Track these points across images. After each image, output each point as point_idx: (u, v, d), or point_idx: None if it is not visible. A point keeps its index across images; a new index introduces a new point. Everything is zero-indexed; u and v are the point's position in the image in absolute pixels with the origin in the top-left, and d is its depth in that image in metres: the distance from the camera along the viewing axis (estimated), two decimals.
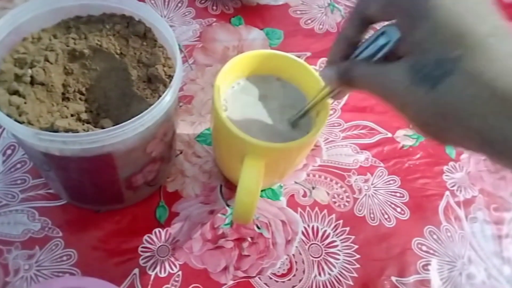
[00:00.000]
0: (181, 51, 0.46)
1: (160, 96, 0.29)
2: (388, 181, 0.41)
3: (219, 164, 0.39)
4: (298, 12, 0.52)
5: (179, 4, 0.50)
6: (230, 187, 0.39)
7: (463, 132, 0.20)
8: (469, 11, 0.20)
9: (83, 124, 0.29)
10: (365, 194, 0.40)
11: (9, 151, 0.38)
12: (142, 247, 0.35)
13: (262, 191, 0.39)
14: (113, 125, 0.27)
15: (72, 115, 0.30)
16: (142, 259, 0.34)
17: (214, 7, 0.51)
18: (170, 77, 0.32)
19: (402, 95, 0.22)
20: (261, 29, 0.50)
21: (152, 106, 0.28)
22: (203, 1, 0.51)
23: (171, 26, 0.48)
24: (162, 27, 0.32)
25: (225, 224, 0.37)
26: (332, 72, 0.26)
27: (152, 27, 0.34)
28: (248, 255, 0.36)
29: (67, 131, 0.28)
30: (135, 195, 0.36)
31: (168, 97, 0.29)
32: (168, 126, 0.32)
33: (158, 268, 0.34)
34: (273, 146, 0.31)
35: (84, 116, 0.30)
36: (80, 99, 0.31)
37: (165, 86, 0.31)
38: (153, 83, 0.31)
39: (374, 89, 0.24)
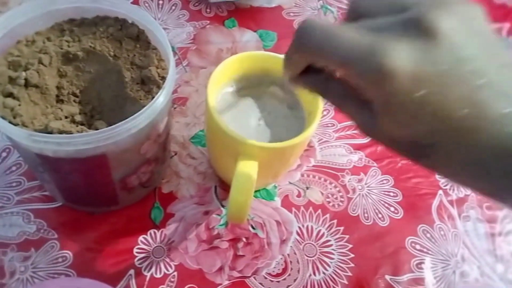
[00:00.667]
0: (175, 53, 0.47)
1: (153, 97, 0.29)
2: (382, 180, 0.42)
3: (213, 165, 0.39)
4: (291, 14, 0.53)
5: (173, 7, 0.51)
6: (224, 188, 0.39)
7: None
8: (435, 92, 0.19)
9: (77, 126, 0.30)
10: (359, 194, 0.41)
11: (4, 154, 0.38)
12: (138, 248, 0.35)
13: (256, 191, 0.39)
14: (107, 127, 0.27)
15: (66, 117, 0.30)
16: (138, 260, 0.35)
17: (208, 10, 0.51)
18: (164, 78, 0.32)
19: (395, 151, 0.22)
20: (255, 31, 0.50)
21: (146, 107, 0.28)
22: (196, 4, 0.51)
23: (165, 28, 0.48)
24: (155, 29, 0.32)
25: (220, 225, 0.37)
26: (305, 86, 0.24)
27: (145, 29, 0.34)
28: (243, 255, 0.36)
29: (61, 132, 0.28)
30: (129, 196, 0.36)
31: (161, 98, 0.29)
32: (162, 128, 0.32)
33: (153, 269, 0.34)
34: (267, 146, 0.31)
35: (78, 118, 0.31)
36: (74, 101, 0.32)
37: (159, 87, 0.31)
38: (147, 85, 0.32)
39: (358, 129, 0.23)
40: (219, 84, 0.35)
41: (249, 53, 0.36)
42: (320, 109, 0.33)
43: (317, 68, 0.23)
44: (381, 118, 0.20)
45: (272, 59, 0.36)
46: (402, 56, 0.18)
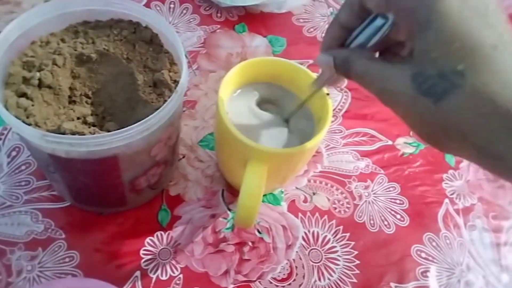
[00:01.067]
0: (185, 57, 0.47)
1: (165, 100, 0.30)
2: (388, 188, 0.42)
3: (221, 169, 0.40)
4: (301, 20, 0.53)
5: (184, 11, 0.51)
6: (232, 191, 0.39)
7: (463, 145, 0.21)
8: (475, 18, 0.20)
9: (89, 127, 0.30)
10: (365, 201, 0.41)
11: (13, 153, 0.39)
12: (144, 250, 0.35)
13: (263, 196, 0.40)
14: (118, 129, 0.27)
15: (78, 118, 0.31)
16: (144, 262, 0.35)
17: (219, 14, 0.51)
18: (176, 82, 0.32)
19: (404, 104, 0.22)
20: (264, 37, 0.51)
21: (158, 111, 0.28)
22: (207, 8, 0.52)
23: (176, 32, 0.49)
24: (169, 33, 0.33)
25: (227, 228, 0.37)
26: (330, 59, 0.25)
27: (158, 33, 0.34)
28: (249, 259, 0.36)
29: (73, 133, 0.28)
30: (138, 198, 0.36)
31: (173, 102, 0.29)
32: (172, 130, 0.32)
33: (159, 271, 0.35)
34: (276, 151, 0.32)
35: (90, 119, 0.31)
36: (86, 102, 0.32)
37: (171, 91, 0.32)
38: (159, 88, 0.32)
39: (374, 91, 0.23)
40: (230, 89, 0.35)
41: (260, 58, 0.36)
42: (329, 115, 0.33)
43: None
44: (418, 53, 0.21)
45: (282, 65, 0.36)
46: None
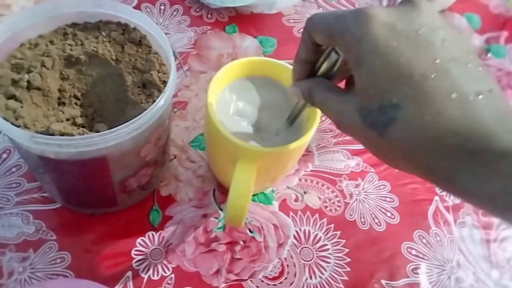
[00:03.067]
0: (175, 58, 0.47)
1: (154, 101, 0.30)
2: (379, 186, 0.42)
3: (212, 169, 0.40)
4: (291, 20, 0.54)
5: (175, 12, 0.51)
6: (223, 191, 0.39)
7: (413, 167, 0.21)
8: (405, 46, 0.20)
9: (78, 128, 0.30)
10: (356, 199, 0.41)
11: (4, 155, 0.39)
12: (136, 250, 0.35)
13: (254, 195, 0.40)
14: (108, 129, 0.28)
15: (67, 120, 0.31)
16: (135, 262, 0.35)
17: (209, 16, 0.52)
18: (164, 82, 0.32)
19: (357, 134, 0.23)
20: (255, 37, 0.51)
21: (147, 111, 0.28)
22: (198, 10, 0.52)
23: (166, 33, 0.49)
24: (157, 34, 0.33)
25: (218, 228, 0.37)
26: (298, 90, 0.28)
27: (147, 34, 0.34)
28: (240, 258, 0.36)
29: (62, 134, 0.28)
30: (129, 198, 0.36)
31: (162, 102, 0.29)
32: (162, 131, 0.32)
33: (151, 271, 0.35)
34: (265, 150, 0.32)
35: (79, 120, 0.31)
36: (75, 104, 0.32)
37: (160, 91, 0.32)
38: (148, 89, 0.32)
39: (332, 120, 0.25)
40: (219, 89, 0.35)
41: (249, 58, 0.37)
42: (318, 115, 0.33)
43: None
44: (357, 83, 0.22)
45: (271, 64, 0.36)
46: (386, 10, 0.21)
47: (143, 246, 0.36)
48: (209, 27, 0.51)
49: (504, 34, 0.58)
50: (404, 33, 0.20)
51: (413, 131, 0.20)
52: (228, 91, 0.36)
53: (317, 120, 0.33)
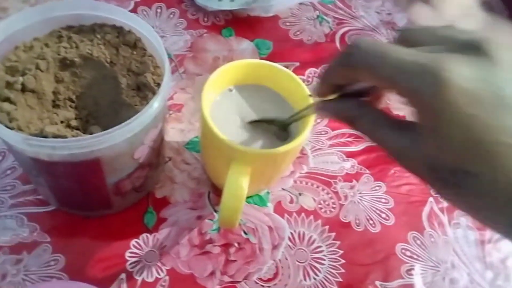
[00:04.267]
0: (171, 60, 0.47)
1: (148, 103, 0.30)
2: (374, 187, 0.42)
3: (207, 171, 0.40)
4: (288, 23, 0.54)
5: (171, 15, 0.51)
6: (218, 193, 0.39)
7: (494, 216, 0.20)
8: (487, 116, 0.18)
9: (72, 131, 0.30)
10: (351, 200, 0.41)
11: None
12: (130, 252, 0.35)
13: (249, 197, 0.40)
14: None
15: (62, 122, 0.31)
16: (130, 264, 0.35)
17: (205, 19, 0.52)
18: (159, 85, 0.32)
19: (421, 176, 0.21)
20: (251, 40, 0.51)
21: (140, 113, 0.28)
22: (194, 13, 0.52)
23: (162, 36, 0.49)
24: (152, 37, 0.33)
25: (213, 230, 0.37)
26: (334, 112, 0.24)
27: (142, 36, 0.34)
28: (235, 260, 0.36)
29: (56, 137, 0.29)
30: (123, 201, 0.36)
31: (155, 104, 0.29)
32: (156, 133, 0.33)
33: (145, 273, 0.35)
34: (259, 152, 0.32)
35: (73, 122, 0.31)
36: (70, 106, 0.32)
37: (154, 93, 0.32)
38: (142, 91, 0.32)
39: (387, 152, 0.23)
40: (214, 91, 0.35)
41: (244, 61, 0.37)
42: (312, 117, 0.33)
43: (350, 94, 0.23)
44: (426, 139, 0.20)
45: (267, 67, 0.37)
46: (461, 70, 0.18)
47: (137, 248, 0.36)
48: (205, 30, 0.51)
49: None
50: (486, 99, 0.18)
51: (491, 193, 0.19)
52: (223, 93, 0.36)
53: (311, 123, 0.33)
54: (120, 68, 0.33)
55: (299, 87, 0.35)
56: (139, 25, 0.34)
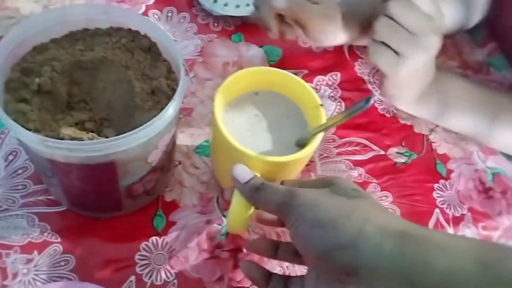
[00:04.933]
0: (182, 64, 0.47)
1: (162, 108, 0.30)
2: (380, 197, 0.43)
3: (216, 175, 0.40)
4: None
5: (182, 20, 0.52)
6: (226, 198, 0.40)
7: (344, 233, 0.25)
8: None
9: (87, 133, 0.30)
10: None
11: (11, 157, 0.39)
12: (139, 255, 0.36)
13: None
14: (116, 135, 0.28)
15: (76, 124, 0.31)
16: (139, 267, 0.35)
17: (216, 24, 0.52)
18: (173, 90, 0.33)
19: None
20: (260, 47, 0.51)
21: (155, 118, 0.29)
22: (205, 17, 0.52)
23: (173, 40, 0.49)
24: (166, 42, 0.34)
25: (221, 235, 0.38)
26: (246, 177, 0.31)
27: (156, 41, 0.35)
28: None
29: (72, 139, 0.29)
30: (134, 203, 0.36)
31: (171, 109, 0.30)
32: (169, 137, 0.33)
33: (154, 276, 0.35)
34: (269, 159, 0.32)
35: (88, 125, 0.31)
36: (84, 108, 0.32)
37: (168, 98, 0.32)
38: (156, 95, 0.33)
39: None
40: (226, 96, 0.36)
41: (256, 68, 0.37)
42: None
43: None
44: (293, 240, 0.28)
45: (278, 75, 0.37)
46: (306, 192, 0.27)
47: (147, 251, 0.36)
48: (215, 35, 0.51)
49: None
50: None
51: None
52: (236, 99, 0.37)
53: (321, 133, 0.33)
54: (135, 72, 0.33)
55: (309, 94, 0.36)
56: (154, 29, 0.34)
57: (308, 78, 0.50)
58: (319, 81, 0.50)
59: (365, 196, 0.28)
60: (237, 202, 0.30)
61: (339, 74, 0.51)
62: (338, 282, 0.25)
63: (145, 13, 0.51)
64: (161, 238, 0.37)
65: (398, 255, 0.23)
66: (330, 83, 0.50)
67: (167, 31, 0.50)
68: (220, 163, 0.38)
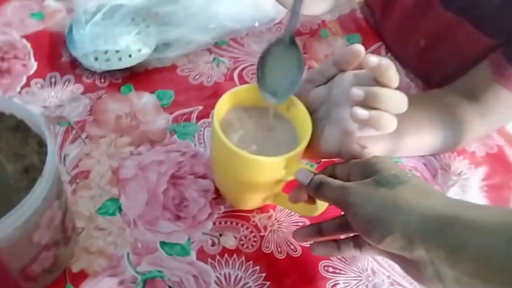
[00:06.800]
0: (72, 128, 0.47)
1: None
2: (290, 213, 0.44)
3: (220, 188, 0.43)
4: (186, 70, 0.55)
5: (66, 83, 0.51)
6: (138, 252, 0.39)
7: (393, 224, 0.29)
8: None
9: None
10: (271, 230, 0.43)
11: None
12: None
13: (171, 248, 0.40)
14: None
15: None
16: None
17: (102, 80, 0.52)
18: None
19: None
20: (152, 93, 0.52)
21: (25, 199, 0.28)
22: (90, 76, 0.52)
23: (60, 105, 0.49)
24: (31, 118, 0.33)
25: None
26: (307, 179, 0.35)
27: (24, 118, 0.34)
28: None
29: None
30: (36, 284, 0.35)
31: (42, 185, 0.29)
32: (53, 212, 0.32)
33: None
34: (247, 156, 0.35)
35: None
36: None
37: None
38: (30, 173, 0.32)
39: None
40: (223, 109, 0.39)
41: (253, 85, 0.40)
42: (308, 134, 0.37)
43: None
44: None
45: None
46: (356, 190, 0.32)
47: None
48: (104, 91, 0.51)
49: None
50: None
51: (414, 192, 0.31)
52: (230, 113, 0.40)
53: (306, 139, 0.37)
54: (6, 154, 0.33)
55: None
56: (16, 108, 0.34)
57: (203, 113, 0.51)
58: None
59: (405, 180, 0.31)
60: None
61: None
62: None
63: (27, 84, 0.50)
64: None
65: (437, 239, 0.28)
66: None
67: (53, 97, 0.50)
68: (221, 171, 0.41)
